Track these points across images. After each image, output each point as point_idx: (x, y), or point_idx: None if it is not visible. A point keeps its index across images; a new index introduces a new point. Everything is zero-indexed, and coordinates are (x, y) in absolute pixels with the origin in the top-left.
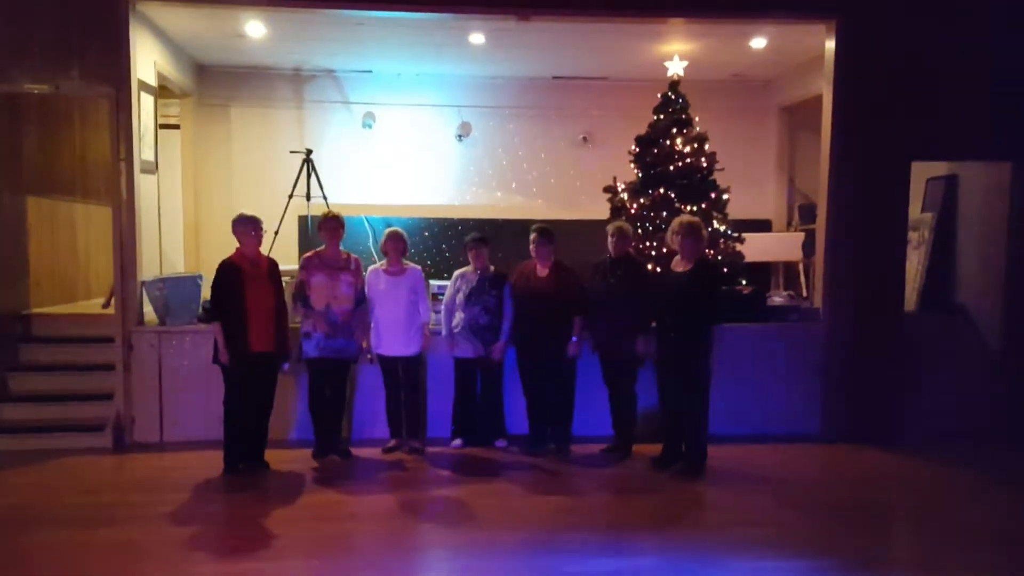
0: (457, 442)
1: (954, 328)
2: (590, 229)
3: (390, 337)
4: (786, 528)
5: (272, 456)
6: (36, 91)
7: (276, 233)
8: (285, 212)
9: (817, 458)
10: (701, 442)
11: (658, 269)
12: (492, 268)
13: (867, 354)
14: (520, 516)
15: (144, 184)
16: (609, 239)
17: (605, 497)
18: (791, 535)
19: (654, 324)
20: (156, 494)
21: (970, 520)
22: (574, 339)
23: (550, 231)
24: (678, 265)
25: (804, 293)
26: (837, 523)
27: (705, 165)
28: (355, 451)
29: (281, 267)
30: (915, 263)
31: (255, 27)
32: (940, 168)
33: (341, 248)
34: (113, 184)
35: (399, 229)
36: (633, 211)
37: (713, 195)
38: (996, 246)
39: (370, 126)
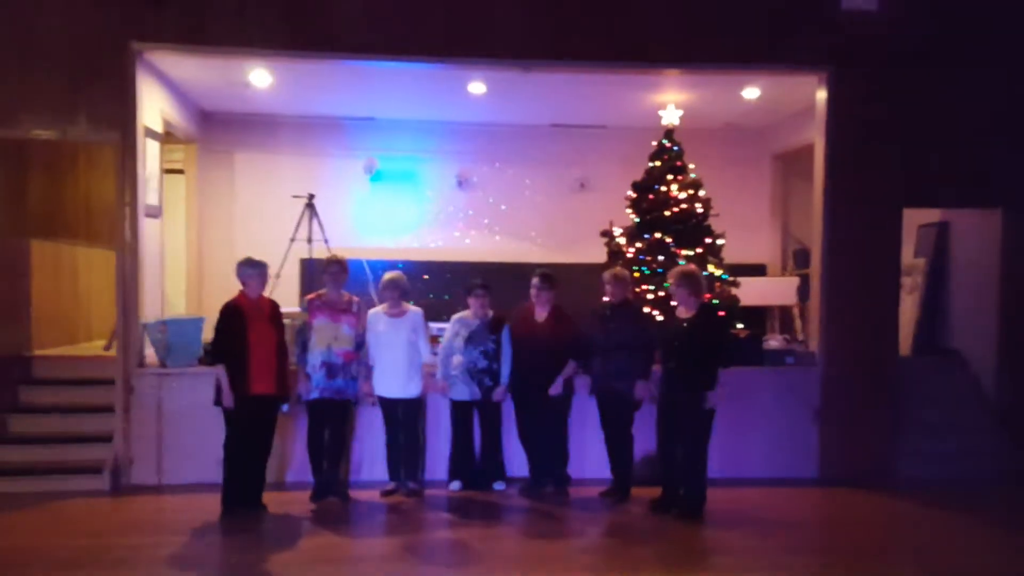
0: (455, 485)
1: (948, 372)
2: (587, 273)
3: (390, 379)
4: (786, 572)
5: (270, 498)
6: (44, 137)
7: (278, 276)
8: (287, 256)
9: (815, 501)
10: (701, 486)
11: (655, 312)
12: (490, 313)
13: (863, 398)
14: (519, 560)
15: (148, 228)
16: (606, 286)
17: (605, 541)
18: None
19: (656, 368)
20: (154, 536)
21: (969, 563)
22: (559, 379)
23: (552, 276)
24: (681, 312)
25: (800, 337)
26: (837, 567)
27: (700, 211)
28: (353, 493)
29: (283, 309)
30: (909, 307)
31: (260, 76)
32: (932, 215)
33: (344, 291)
34: (117, 228)
35: (398, 274)
36: (629, 255)
37: (708, 240)
38: (988, 291)
39: (376, 176)
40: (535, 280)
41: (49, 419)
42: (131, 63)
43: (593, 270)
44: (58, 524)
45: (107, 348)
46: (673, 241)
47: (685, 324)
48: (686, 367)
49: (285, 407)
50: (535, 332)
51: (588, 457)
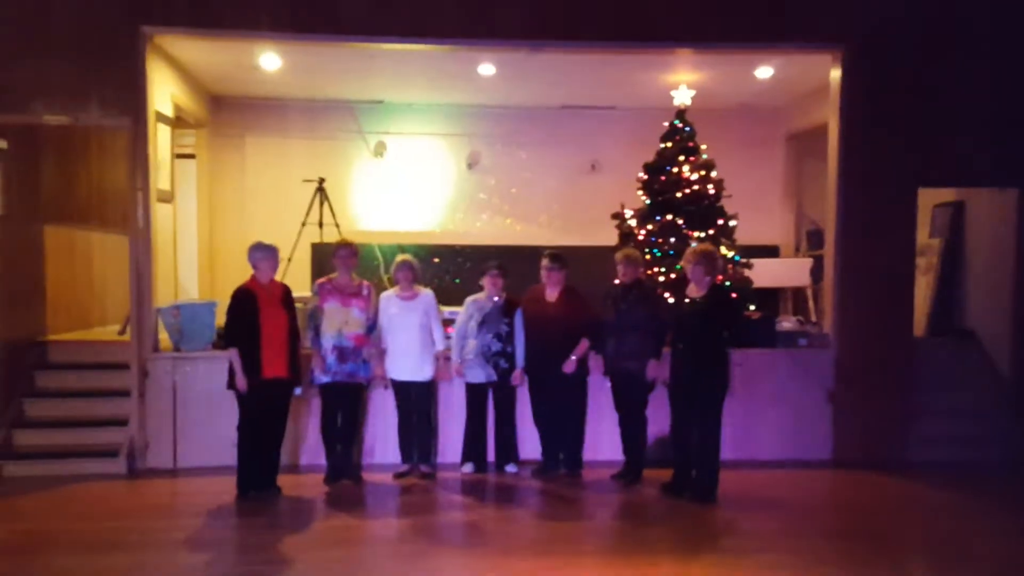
0: (468, 467)
1: (964, 353)
2: (599, 255)
3: (403, 362)
4: (801, 554)
5: (284, 481)
6: (56, 123)
7: (289, 260)
8: (298, 240)
9: (829, 484)
10: (714, 467)
11: (667, 294)
12: (504, 296)
13: (877, 379)
14: (531, 541)
15: (160, 213)
16: (618, 267)
17: (618, 523)
18: (806, 561)
19: (667, 349)
20: (169, 519)
21: (981, 546)
22: (573, 357)
23: (562, 256)
24: (692, 292)
25: (813, 318)
26: (851, 549)
27: (712, 192)
28: (366, 476)
29: (294, 294)
30: (923, 288)
31: (270, 59)
32: (947, 195)
33: (354, 275)
34: (130, 213)
35: (409, 257)
36: (641, 237)
37: (721, 221)
38: (1004, 271)
39: (382, 155)
40: (545, 261)
41: (65, 403)
42: (142, 48)
43: (604, 252)
44: (75, 508)
45: (121, 333)
46: (685, 223)
47: (696, 304)
48: (696, 347)
49: (298, 390)
50: (547, 312)
51: (601, 439)
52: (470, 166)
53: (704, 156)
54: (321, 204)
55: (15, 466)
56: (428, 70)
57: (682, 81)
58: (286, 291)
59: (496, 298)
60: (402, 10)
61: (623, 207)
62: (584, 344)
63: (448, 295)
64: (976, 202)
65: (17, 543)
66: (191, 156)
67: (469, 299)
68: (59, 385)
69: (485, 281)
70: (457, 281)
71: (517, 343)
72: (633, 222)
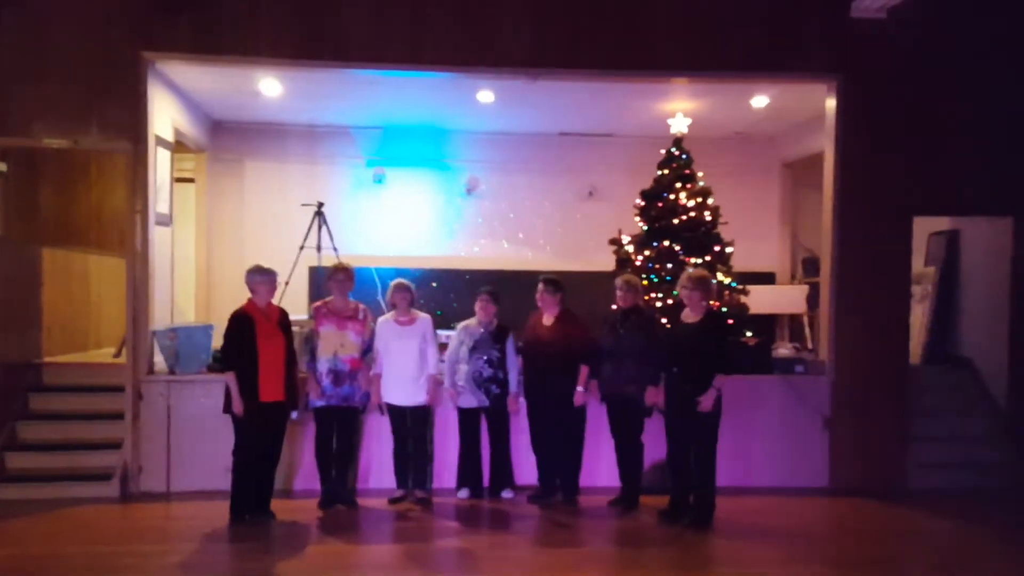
0: (463, 492)
1: (959, 380)
2: (596, 280)
3: (399, 387)
4: None
5: (278, 506)
6: (56, 146)
7: (287, 284)
8: (296, 263)
9: (825, 511)
10: (710, 493)
11: (663, 320)
12: (495, 322)
13: (873, 406)
14: (527, 568)
15: (158, 236)
16: (617, 291)
17: (614, 549)
18: None
19: (663, 374)
20: (162, 544)
21: (982, 573)
22: (579, 388)
23: (556, 281)
24: (687, 316)
25: (809, 345)
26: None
27: (709, 218)
28: (361, 501)
29: (291, 317)
30: (919, 316)
31: (270, 85)
32: (942, 223)
33: (350, 298)
34: (128, 236)
35: (405, 280)
36: (638, 263)
37: (717, 248)
38: (1000, 299)
39: (380, 180)
40: (540, 286)
41: (59, 426)
42: (143, 73)
43: (601, 278)
44: (68, 531)
45: (117, 355)
46: (682, 249)
47: (691, 328)
48: (691, 372)
49: (295, 414)
50: (543, 336)
51: (598, 465)
52: (468, 191)
53: (700, 183)
54: (320, 228)
55: (7, 489)
56: (427, 96)
57: (679, 109)
58: (283, 315)
59: (487, 324)
60: (402, 37)
61: (620, 233)
62: (585, 371)
63: (446, 319)
64: (971, 230)
65: (8, 567)
66: (190, 180)
67: (460, 325)
68: (53, 407)
69: (477, 304)
70: (455, 305)
71: (510, 368)
72: (630, 248)
